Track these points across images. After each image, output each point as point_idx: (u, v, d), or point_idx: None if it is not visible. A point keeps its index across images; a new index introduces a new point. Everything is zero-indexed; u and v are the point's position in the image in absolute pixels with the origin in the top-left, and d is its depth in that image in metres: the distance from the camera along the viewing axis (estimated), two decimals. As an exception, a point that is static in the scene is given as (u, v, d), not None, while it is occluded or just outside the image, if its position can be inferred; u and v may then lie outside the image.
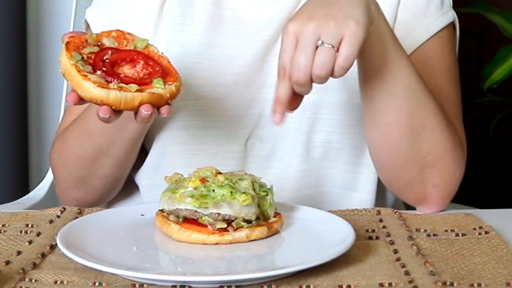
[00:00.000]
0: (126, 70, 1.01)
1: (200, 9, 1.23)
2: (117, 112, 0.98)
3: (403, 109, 1.08)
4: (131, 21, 1.23)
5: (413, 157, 1.10)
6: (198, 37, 1.21)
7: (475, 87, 2.33)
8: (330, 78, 1.02)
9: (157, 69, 1.02)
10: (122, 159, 1.20)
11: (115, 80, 0.98)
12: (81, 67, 0.97)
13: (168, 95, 0.99)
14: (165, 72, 1.01)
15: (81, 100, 0.97)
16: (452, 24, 1.23)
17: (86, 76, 0.96)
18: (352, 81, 1.14)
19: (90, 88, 0.95)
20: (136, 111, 0.98)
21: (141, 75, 1.01)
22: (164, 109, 0.99)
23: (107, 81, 0.97)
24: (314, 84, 1.16)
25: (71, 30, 1.54)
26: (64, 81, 1.53)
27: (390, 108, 1.08)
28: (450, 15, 1.22)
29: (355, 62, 0.99)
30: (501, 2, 2.48)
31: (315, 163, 1.20)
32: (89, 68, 0.98)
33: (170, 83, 1.00)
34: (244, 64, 1.21)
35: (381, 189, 1.24)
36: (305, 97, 1.17)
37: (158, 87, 0.98)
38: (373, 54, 1.04)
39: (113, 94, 0.95)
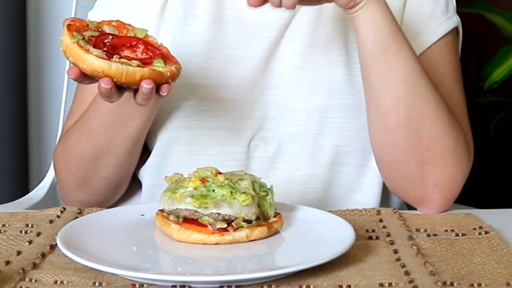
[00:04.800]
0: (127, 54, 1.02)
1: (202, 9, 1.23)
2: (118, 89, 0.98)
3: (400, 99, 1.09)
4: (132, 23, 1.23)
5: (411, 150, 1.11)
6: (201, 37, 1.22)
7: (475, 87, 2.33)
8: (338, 83, 1.14)
9: (157, 53, 1.02)
10: (123, 159, 1.20)
11: (117, 56, 0.98)
12: (82, 44, 0.97)
13: (168, 73, 0.99)
14: (165, 57, 1.02)
15: (83, 75, 0.97)
16: (456, 29, 1.24)
17: (88, 50, 0.97)
18: (359, 85, 1.14)
19: (92, 60, 0.96)
20: (136, 89, 0.98)
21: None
22: (164, 88, 0.99)
23: (108, 57, 0.98)
24: (320, 88, 1.19)
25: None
26: (64, 81, 1.52)
27: (387, 97, 1.09)
28: (455, 20, 1.24)
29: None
30: (501, 2, 2.48)
31: (323, 168, 1.20)
32: (91, 47, 0.98)
33: (171, 64, 1.01)
34: (248, 66, 1.21)
35: (386, 193, 1.24)
36: (312, 101, 1.18)
37: (159, 66, 0.99)
38: (367, 40, 1.08)
39: (114, 66, 0.96)
